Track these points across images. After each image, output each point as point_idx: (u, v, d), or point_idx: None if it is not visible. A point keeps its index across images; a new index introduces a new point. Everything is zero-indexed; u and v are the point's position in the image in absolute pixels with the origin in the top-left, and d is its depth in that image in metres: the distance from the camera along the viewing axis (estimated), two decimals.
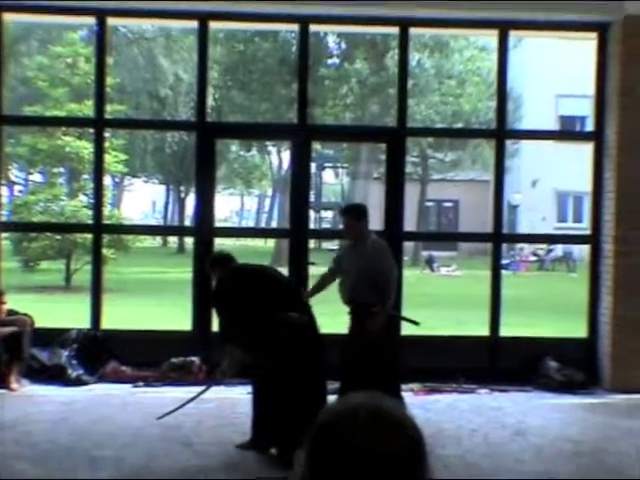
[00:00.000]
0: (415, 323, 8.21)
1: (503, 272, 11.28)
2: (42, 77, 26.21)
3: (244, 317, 6.92)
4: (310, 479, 1.49)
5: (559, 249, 34.03)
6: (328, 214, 48.53)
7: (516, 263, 32.91)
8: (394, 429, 1.46)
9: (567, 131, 32.40)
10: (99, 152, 10.68)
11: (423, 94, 31.67)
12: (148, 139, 36.12)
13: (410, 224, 18.63)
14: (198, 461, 6.87)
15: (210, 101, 24.48)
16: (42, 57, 29.12)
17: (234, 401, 8.72)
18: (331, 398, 6.79)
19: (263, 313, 6.91)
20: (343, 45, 33.49)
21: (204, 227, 10.37)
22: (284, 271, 10.26)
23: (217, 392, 8.46)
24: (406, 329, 9.20)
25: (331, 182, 50.56)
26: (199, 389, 7.92)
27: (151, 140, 36.38)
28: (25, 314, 9.66)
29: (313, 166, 35.01)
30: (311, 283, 10.38)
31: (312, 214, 35.45)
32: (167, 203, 49.66)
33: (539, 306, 19.46)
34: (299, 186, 10.54)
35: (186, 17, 10.55)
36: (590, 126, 11.25)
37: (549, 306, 19.45)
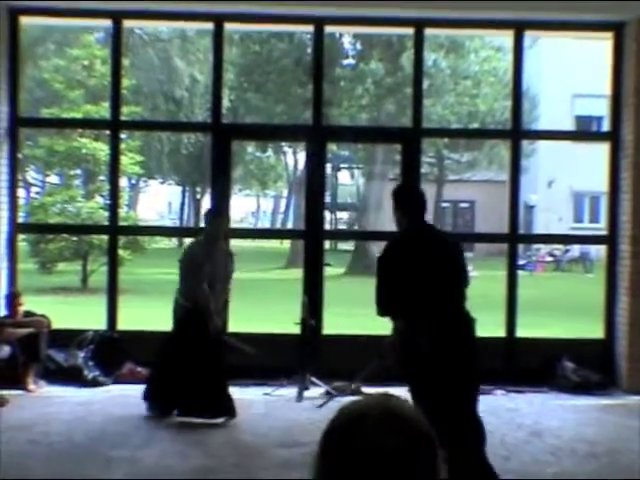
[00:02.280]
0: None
1: (519, 272, 11.23)
2: (59, 79, 26.29)
3: (402, 287, 5.96)
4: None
5: (576, 249, 33.87)
6: (344, 215, 48.47)
7: (532, 263, 32.78)
8: (405, 427, 1.46)
9: (583, 131, 32.29)
10: (115, 154, 10.73)
11: (439, 94, 31.60)
12: (164, 140, 36.12)
13: None
14: (211, 462, 6.89)
15: (226, 102, 24.50)
16: (59, 59, 29.19)
17: (249, 402, 8.73)
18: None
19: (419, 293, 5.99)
20: (358, 46, 33.42)
21: None
22: (299, 273, 10.23)
23: (232, 394, 8.47)
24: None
25: (347, 183, 50.50)
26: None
27: (167, 141, 36.39)
28: (42, 315, 9.71)
29: (328, 167, 34.95)
30: (326, 284, 10.42)
31: (328, 215, 35.49)
32: (183, 204, 49.74)
33: (555, 307, 19.40)
34: (315, 187, 10.53)
35: (201, 19, 10.57)
36: (606, 126, 11.22)
37: (565, 307, 19.38)
